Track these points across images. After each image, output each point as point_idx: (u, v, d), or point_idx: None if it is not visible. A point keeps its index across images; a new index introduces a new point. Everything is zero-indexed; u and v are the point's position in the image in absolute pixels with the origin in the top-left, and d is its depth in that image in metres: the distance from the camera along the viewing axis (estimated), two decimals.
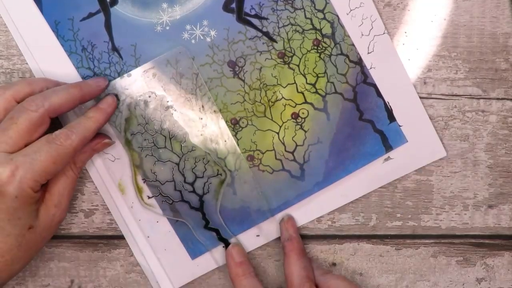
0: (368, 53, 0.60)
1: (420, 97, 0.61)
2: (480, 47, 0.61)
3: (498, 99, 0.62)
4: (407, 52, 0.61)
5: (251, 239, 0.62)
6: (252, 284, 0.59)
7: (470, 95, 0.62)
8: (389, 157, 0.62)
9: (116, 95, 0.58)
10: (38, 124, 0.52)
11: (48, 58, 0.59)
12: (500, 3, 0.61)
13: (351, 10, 0.60)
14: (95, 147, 0.59)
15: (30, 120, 0.52)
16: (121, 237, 0.62)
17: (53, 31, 0.59)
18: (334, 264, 0.63)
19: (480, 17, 0.61)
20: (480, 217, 0.64)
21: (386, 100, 0.61)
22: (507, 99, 0.62)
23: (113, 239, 0.63)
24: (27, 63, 0.60)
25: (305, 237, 0.63)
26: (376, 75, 0.60)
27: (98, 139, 0.59)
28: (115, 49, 0.59)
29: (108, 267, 0.63)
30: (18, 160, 0.50)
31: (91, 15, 0.59)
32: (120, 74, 0.59)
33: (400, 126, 0.61)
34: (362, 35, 0.60)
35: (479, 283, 0.64)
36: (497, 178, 0.63)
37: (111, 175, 0.61)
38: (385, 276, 0.64)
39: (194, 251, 0.62)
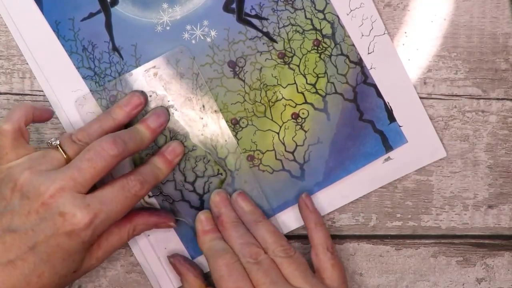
0: (368, 53, 0.60)
1: (420, 97, 0.61)
2: (480, 47, 0.61)
3: (498, 99, 0.62)
4: (407, 52, 0.61)
5: None
6: (221, 244, 0.58)
7: (470, 95, 0.62)
8: (389, 157, 0.62)
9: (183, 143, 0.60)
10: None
11: (49, 58, 0.59)
12: (500, 3, 0.61)
13: (351, 11, 0.60)
14: (159, 226, 0.60)
15: (108, 167, 0.53)
16: None
17: (54, 31, 0.59)
18: None
19: (480, 17, 0.61)
20: (480, 217, 0.64)
21: (386, 100, 0.61)
22: (507, 99, 0.62)
23: None
24: (27, 63, 0.60)
25: (305, 237, 0.62)
26: (376, 76, 0.60)
27: (164, 218, 0.59)
28: (115, 49, 0.59)
29: (108, 267, 0.63)
30: (96, 208, 0.51)
31: (91, 15, 0.59)
32: (120, 74, 0.59)
33: (400, 126, 0.61)
34: (362, 35, 0.60)
35: (479, 283, 0.64)
36: (497, 178, 0.63)
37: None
38: (385, 276, 0.64)
39: (194, 250, 0.62)
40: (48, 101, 0.60)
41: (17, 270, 0.50)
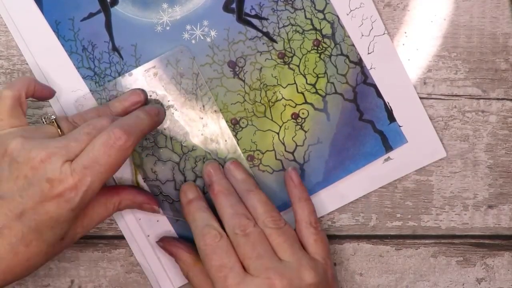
0: (368, 53, 0.60)
1: (420, 98, 0.61)
2: (480, 47, 0.61)
3: (498, 99, 0.62)
4: (407, 52, 0.61)
5: None
6: (204, 217, 0.57)
7: (470, 95, 0.62)
8: (389, 157, 0.62)
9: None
10: None
11: (48, 58, 0.59)
12: (500, 3, 0.61)
13: (351, 11, 0.60)
14: (143, 207, 0.59)
15: (108, 152, 0.50)
16: (121, 237, 0.62)
17: (54, 31, 0.59)
18: (334, 264, 0.63)
19: (480, 17, 0.61)
20: (480, 217, 0.64)
21: (386, 100, 0.61)
22: (507, 99, 0.62)
23: (113, 239, 0.63)
24: (27, 63, 0.60)
25: None
26: (376, 76, 0.60)
27: (150, 201, 0.59)
28: (115, 49, 0.59)
29: (108, 267, 0.63)
30: (81, 172, 0.49)
31: (91, 15, 0.59)
32: (120, 74, 0.59)
33: (400, 126, 0.61)
34: (362, 35, 0.60)
35: (479, 283, 0.64)
36: (497, 178, 0.63)
37: None
38: (385, 276, 0.64)
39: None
40: (47, 101, 0.60)
41: (4, 240, 0.49)
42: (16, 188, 0.49)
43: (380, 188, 0.63)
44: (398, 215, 0.63)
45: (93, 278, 0.64)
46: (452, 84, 0.62)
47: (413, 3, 0.61)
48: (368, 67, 0.60)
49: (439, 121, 0.62)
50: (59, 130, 0.53)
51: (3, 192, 0.50)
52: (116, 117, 0.54)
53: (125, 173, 0.61)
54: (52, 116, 0.54)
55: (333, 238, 0.63)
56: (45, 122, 0.54)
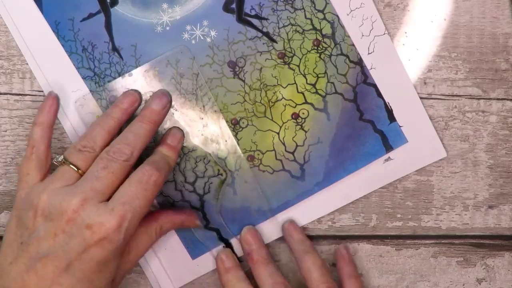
0: (369, 53, 0.60)
1: (420, 98, 0.61)
2: (480, 47, 0.61)
3: (498, 99, 0.62)
4: (407, 52, 0.61)
5: None
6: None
7: (470, 96, 0.62)
8: (389, 157, 0.61)
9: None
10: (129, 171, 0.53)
11: (48, 59, 0.59)
12: (500, 3, 0.61)
13: (351, 11, 0.60)
14: (185, 224, 0.60)
15: (125, 171, 0.53)
16: None
17: (54, 31, 0.59)
18: (334, 265, 0.63)
19: (480, 18, 0.61)
20: (480, 217, 0.64)
21: (387, 100, 0.61)
22: (507, 99, 0.62)
23: None
24: (27, 64, 0.60)
25: (312, 238, 0.63)
26: (376, 76, 0.60)
27: (190, 216, 0.60)
28: (115, 49, 0.59)
29: None
30: (120, 210, 0.50)
31: (91, 15, 0.59)
32: (120, 74, 0.59)
33: (400, 126, 0.61)
34: (363, 35, 0.60)
35: (479, 284, 0.64)
36: (497, 179, 0.63)
37: None
38: (385, 277, 0.64)
39: (195, 251, 0.62)
40: None
41: None
42: (57, 244, 0.49)
43: (380, 188, 0.62)
44: (399, 215, 0.63)
45: None
46: (452, 84, 0.62)
47: (413, 3, 0.61)
48: (369, 67, 0.60)
49: (439, 121, 0.62)
50: (76, 169, 0.53)
51: (45, 250, 0.49)
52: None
53: None
54: (60, 157, 0.54)
55: (333, 238, 0.63)
56: (57, 164, 0.54)
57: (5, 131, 0.61)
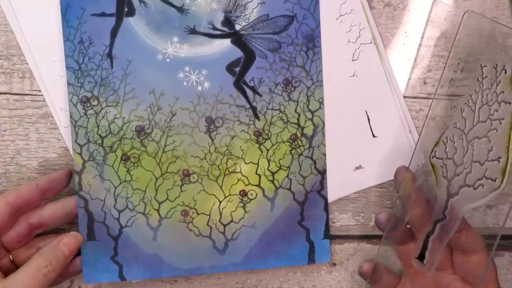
0: (353, 60, 0.61)
1: (420, 97, 0.62)
2: (479, 47, 0.61)
3: None
4: (407, 52, 0.62)
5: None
6: None
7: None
8: (360, 165, 0.62)
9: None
10: None
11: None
12: (500, 3, 0.62)
13: (340, 16, 0.61)
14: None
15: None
16: None
17: (61, 11, 0.57)
18: (334, 264, 0.63)
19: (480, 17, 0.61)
20: (479, 217, 0.64)
21: (366, 109, 0.61)
22: None
23: None
24: (27, 63, 0.59)
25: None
26: (358, 83, 0.61)
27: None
28: (110, 55, 0.58)
29: None
30: None
31: (104, 14, 0.58)
32: (103, 81, 0.58)
33: (330, 241, 0.62)
34: (349, 41, 0.61)
35: None
36: None
37: None
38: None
39: (89, 275, 0.60)
40: (45, 101, 0.60)
41: None
42: None
43: (380, 188, 0.63)
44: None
45: None
46: (453, 84, 0.61)
47: (413, 3, 0.61)
48: (351, 74, 0.61)
49: (440, 121, 0.61)
50: None
51: None
52: None
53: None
54: None
55: (333, 238, 0.63)
56: None
57: (5, 131, 0.60)
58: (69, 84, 0.58)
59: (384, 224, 0.59)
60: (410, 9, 0.62)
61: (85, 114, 0.58)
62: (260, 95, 0.60)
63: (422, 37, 0.62)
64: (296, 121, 0.61)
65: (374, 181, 0.63)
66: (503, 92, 0.52)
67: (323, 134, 0.61)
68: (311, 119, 0.61)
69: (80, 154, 0.58)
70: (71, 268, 0.60)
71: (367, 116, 0.61)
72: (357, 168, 0.62)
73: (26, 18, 0.59)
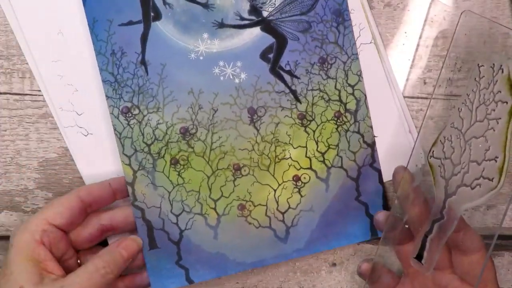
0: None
1: (420, 97, 0.62)
2: (479, 47, 0.61)
3: None
4: (407, 52, 0.61)
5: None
6: None
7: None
8: None
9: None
10: None
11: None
12: (500, 3, 0.62)
13: None
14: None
15: None
16: None
17: (89, 26, 0.57)
18: (334, 264, 0.63)
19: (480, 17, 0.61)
20: (479, 217, 0.63)
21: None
22: None
23: None
24: (27, 63, 0.59)
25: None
26: None
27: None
28: (143, 62, 0.58)
29: None
30: None
31: (131, 23, 0.58)
32: (141, 88, 0.58)
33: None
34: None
35: None
36: None
37: None
38: None
39: (157, 283, 0.60)
40: (45, 101, 0.60)
41: None
42: None
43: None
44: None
45: None
46: (452, 84, 0.61)
47: (413, 3, 0.61)
48: None
49: (439, 121, 0.62)
50: None
51: None
52: None
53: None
54: None
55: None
56: None
57: (5, 131, 0.60)
58: (107, 97, 0.58)
59: (383, 224, 0.59)
60: (410, 9, 0.61)
61: (128, 124, 0.58)
62: (298, 78, 0.60)
63: (422, 37, 0.62)
64: (337, 98, 0.60)
65: None
66: (500, 92, 0.52)
67: (367, 107, 0.60)
68: (352, 94, 0.60)
69: (129, 165, 0.58)
70: (138, 281, 0.60)
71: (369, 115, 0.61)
72: None
73: (26, 18, 0.58)
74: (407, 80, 0.62)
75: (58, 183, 0.61)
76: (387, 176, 0.61)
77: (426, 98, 0.62)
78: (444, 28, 0.62)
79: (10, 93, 0.60)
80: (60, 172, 0.60)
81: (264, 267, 0.63)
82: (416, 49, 0.62)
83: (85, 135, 0.60)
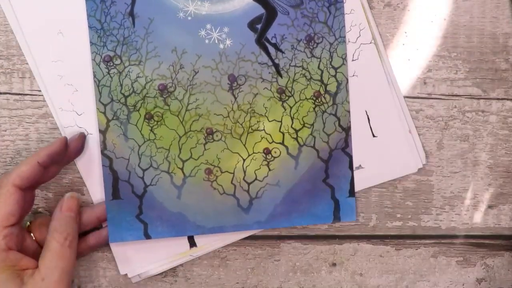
0: (353, 60, 0.61)
1: (420, 97, 0.62)
2: (480, 47, 0.62)
3: (498, 99, 0.62)
4: (407, 52, 0.61)
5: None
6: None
7: (470, 95, 0.62)
8: (360, 165, 0.62)
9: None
10: None
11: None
12: (500, 3, 0.61)
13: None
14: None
15: None
16: None
17: None
18: (334, 264, 0.63)
19: (480, 17, 0.61)
20: (480, 217, 0.64)
21: (365, 109, 0.61)
22: (507, 99, 0.62)
23: None
24: (27, 63, 0.60)
25: (305, 237, 0.63)
26: (358, 83, 0.61)
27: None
28: (132, 14, 0.58)
29: (108, 267, 0.63)
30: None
31: None
32: (126, 40, 0.58)
33: (356, 199, 0.61)
34: (349, 41, 0.61)
35: (479, 284, 0.65)
36: (497, 178, 0.64)
37: None
38: (385, 277, 0.64)
39: (115, 234, 0.60)
40: (45, 101, 0.60)
41: None
42: None
43: (380, 188, 0.63)
44: (398, 215, 0.63)
45: (92, 278, 0.63)
46: (452, 84, 0.62)
47: (413, 3, 0.61)
48: (351, 74, 0.61)
49: (439, 121, 0.62)
50: None
51: None
52: None
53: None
54: None
55: (333, 238, 0.63)
56: None
57: (5, 131, 0.61)
58: (91, 43, 0.58)
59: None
60: (410, 9, 0.61)
61: (108, 73, 0.59)
62: (283, 52, 0.60)
63: (422, 37, 0.61)
64: (319, 78, 0.60)
65: (374, 181, 0.63)
66: None
67: (347, 91, 0.60)
68: (335, 76, 0.60)
69: (104, 113, 0.59)
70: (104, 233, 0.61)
71: (367, 116, 0.61)
72: (357, 168, 0.62)
73: (26, 18, 0.59)
74: (407, 80, 0.62)
75: (58, 183, 0.61)
76: (387, 176, 0.62)
77: (426, 98, 0.62)
78: (444, 28, 0.61)
79: (10, 93, 0.60)
80: (60, 172, 0.60)
81: (264, 267, 0.64)
82: (416, 49, 0.61)
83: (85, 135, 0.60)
